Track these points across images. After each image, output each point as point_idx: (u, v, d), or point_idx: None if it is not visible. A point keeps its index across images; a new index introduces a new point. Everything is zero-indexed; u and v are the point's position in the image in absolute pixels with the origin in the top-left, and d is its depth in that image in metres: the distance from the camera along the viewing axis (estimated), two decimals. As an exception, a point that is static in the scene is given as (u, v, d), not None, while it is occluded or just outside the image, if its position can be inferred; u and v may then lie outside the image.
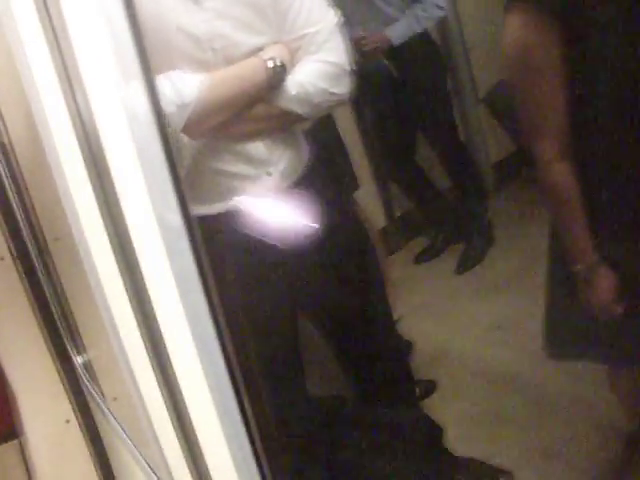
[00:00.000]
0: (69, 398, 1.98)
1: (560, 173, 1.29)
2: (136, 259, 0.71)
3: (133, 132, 0.60)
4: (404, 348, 2.39)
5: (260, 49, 1.42)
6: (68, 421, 2.00)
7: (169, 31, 1.36)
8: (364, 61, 2.61)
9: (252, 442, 0.65)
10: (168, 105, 1.31)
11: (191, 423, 0.75)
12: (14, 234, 1.85)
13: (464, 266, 3.01)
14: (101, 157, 0.72)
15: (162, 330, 0.72)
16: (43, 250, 1.84)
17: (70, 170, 0.90)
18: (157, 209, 0.61)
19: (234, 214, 1.45)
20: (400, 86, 2.92)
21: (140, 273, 0.72)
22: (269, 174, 1.48)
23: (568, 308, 1.45)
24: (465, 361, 2.43)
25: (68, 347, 1.90)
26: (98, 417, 1.92)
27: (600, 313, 1.36)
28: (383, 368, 1.77)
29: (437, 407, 2.16)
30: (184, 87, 1.34)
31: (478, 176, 3.27)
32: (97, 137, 0.71)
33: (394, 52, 2.85)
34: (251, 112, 1.43)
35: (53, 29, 0.72)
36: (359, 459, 1.76)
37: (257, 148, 1.47)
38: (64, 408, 1.99)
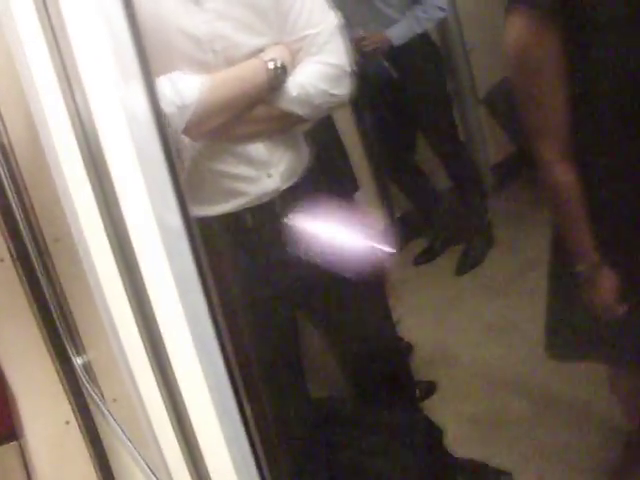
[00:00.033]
0: (69, 399, 1.98)
1: (561, 173, 1.29)
2: (136, 260, 0.71)
3: (132, 132, 0.59)
4: (404, 349, 2.39)
5: (261, 50, 1.41)
6: (68, 422, 1.99)
7: (169, 32, 1.36)
8: (364, 62, 2.61)
9: (252, 443, 0.65)
10: (169, 106, 1.30)
11: (191, 424, 0.75)
12: (14, 235, 1.85)
13: (464, 267, 3.00)
14: (100, 157, 0.72)
15: (162, 331, 0.72)
16: (43, 251, 1.84)
17: (69, 170, 0.90)
18: (157, 210, 0.61)
19: (234, 215, 1.45)
20: (400, 87, 2.93)
21: (140, 274, 0.71)
22: (269, 175, 1.48)
23: (569, 308, 1.45)
24: (465, 362, 2.43)
25: (68, 348, 1.89)
26: (98, 418, 1.92)
27: (602, 313, 1.36)
28: (383, 369, 1.77)
29: (437, 408, 2.16)
30: (185, 88, 1.34)
31: (478, 177, 3.27)
32: (96, 137, 0.71)
33: (394, 53, 2.85)
34: (252, 113, 1.43)
35: (52, 29, 0.72)
36: (359, 460, 1.75)
37: (258, 149, 1.46)
38: (64, 409, 1.98)
